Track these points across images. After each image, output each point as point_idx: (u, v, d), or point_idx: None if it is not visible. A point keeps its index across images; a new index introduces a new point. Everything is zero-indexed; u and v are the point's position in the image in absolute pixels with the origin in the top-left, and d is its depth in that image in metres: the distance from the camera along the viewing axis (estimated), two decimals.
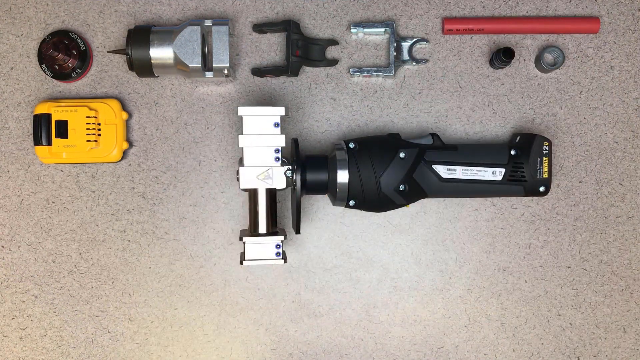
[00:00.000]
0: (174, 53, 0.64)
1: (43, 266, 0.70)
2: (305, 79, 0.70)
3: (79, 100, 0.68)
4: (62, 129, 0.66)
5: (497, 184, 0.63)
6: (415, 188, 0.62)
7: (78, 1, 0.70)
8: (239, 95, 0.70)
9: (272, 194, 0.63)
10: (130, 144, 0.69)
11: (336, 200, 0.62)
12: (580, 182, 0.71)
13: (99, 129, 0.67)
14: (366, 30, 0.69)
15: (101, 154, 0.68)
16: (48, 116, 0.66)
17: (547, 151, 0.65)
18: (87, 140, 0.66)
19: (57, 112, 0.66)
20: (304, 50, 0.69)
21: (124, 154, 0.69)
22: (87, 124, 0.66)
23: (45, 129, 0.66)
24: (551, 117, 0.71)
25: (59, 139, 0.66)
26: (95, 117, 0.67)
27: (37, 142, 0.67)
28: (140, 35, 0.65)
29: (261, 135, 0.61)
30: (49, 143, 0.66)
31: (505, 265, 0.71)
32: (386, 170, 0.60)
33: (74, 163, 0.69)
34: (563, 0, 0.71)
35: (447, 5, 0.71)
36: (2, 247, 0.70)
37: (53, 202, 0.69)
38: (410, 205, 0.65)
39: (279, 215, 0.70)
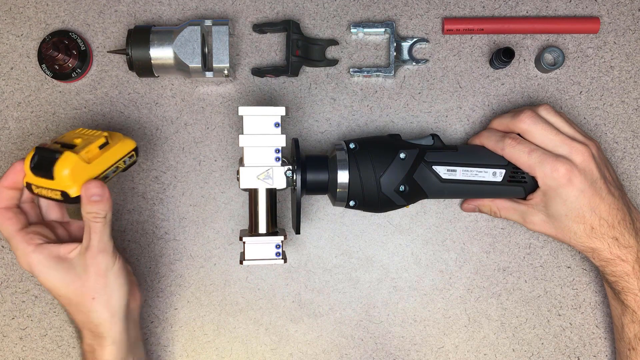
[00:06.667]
0: (174, 53, 0.64)
1: None
2: (305, 79, 0.70)
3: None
4: (67, 145, 0.57)
5: (497, 185, 0.63)
6: (416, 189, 0.62)
7: (78, 1, 0.70)
8: (239, 95, 0.70)
9: (272, 194, 0.63)
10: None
11: (336, 200, 0.62)
12: None
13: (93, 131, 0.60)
14: (366, 30, 0.69)
15: (118, 140, 0.60)
16: (37, 148, 0.56)
17: None
18: (96, 136, 0.58)
19: (50, 144, 0.57)
20: (304, 50, 0.69)
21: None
22: (83, 133, 0.59)
23: (50, 150, 0.56)
24: None
25: (74, 149, 0.56)
26: (83, 129, 0.60)
27: (50, 168, 0.54)
28: (140, 35, 0.65)
29: (261, 135, 0.61)
30: (62, 152, 0.55)
31: (505, 265, 0.71)
32: (386, 170, 0.60)
33: (113, 164, 0.59)
34: (563, 0, 0.71)
35: (447, 5, 0.71)
36: (2, 247, 0.70)
37: None
38: (410, 205, 0.65)
39: (279, 215, 0.70)
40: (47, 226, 0.60)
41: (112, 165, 0.59)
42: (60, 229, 0.61)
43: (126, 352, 0.59)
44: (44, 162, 0.55)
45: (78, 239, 0.59)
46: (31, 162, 0.56)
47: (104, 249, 0.56)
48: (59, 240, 0.60)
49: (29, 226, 0.58)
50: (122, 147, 0.60)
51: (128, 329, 0.60)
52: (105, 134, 0.59)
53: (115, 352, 0.58)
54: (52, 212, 0.62)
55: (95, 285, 0.57)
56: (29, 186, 0.57)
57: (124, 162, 0.61)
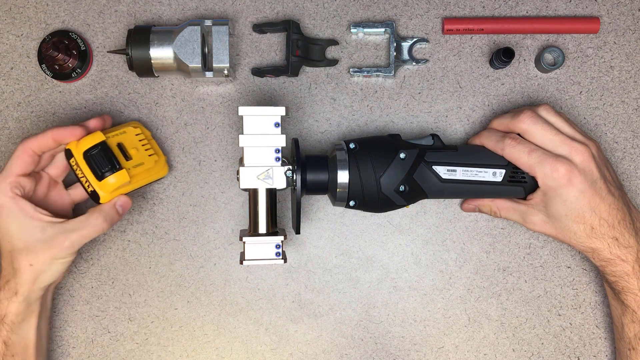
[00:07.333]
0: (174, 53, 0.64)
1: None
2: (305, 79, 0.71)
3: (112, 129, 0.64)
4: (125, 152, 0.62)
5: (497, 185, 0.63)
6: (416, 189, 0.62)
7: (78, 1, 0.70)
8: (239, 95, 0.70)
9: (272, 194, 0.63)
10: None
11: (336, 200, 0.62)
12: None
13: (149, 144, 0.65)
14: (366, 30, 0.69)
15: (160, 167, 0.65)
16: (103, 143, 0.59)
17: None
18: (150, 155, 0.64)
19: (109, 139, 0.61)
20: (304, 50, 0.69)
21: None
22: (139, 140, 0.64)
23: (111, 155, 0.59)
24: None
25: (129, 162, 0.61)
26: (142, 134, 0.65)
27: (103, 173, 0.58)
28: (140, 35, 0.65)
29: (261, 135, 0.61)
30: (120, 167, 0.59)
31: (505, 265, 0.71)
32: (386, 170, 0.60)
33: (141, 186, 0.64)
34: (563, 0, 0.71)
35: (447, 5, 0.71)
36: None
37: None
38: (410, 205, 0.65)
39: (279, 215, 0.70)
40: (36, 178, 0.62)
41: (142, 187, 0.64)
42: (44, 186, 0.63)
43: (30, 313, 0.61)
44: (101, 161, 0.59)
45: (54, 204, 0.63)
46: (90, 149, 0.58)
47: (76, 245, 0.59)
48: (35, 194, 0.62)
49: (21, 176, 0.60)
50: (158, 173, 0.65)
51: (42, 296, 0.62)
52: (156, 158, 0.64)
53: (21, 309, 0.60)
54: (56, 170, 0.64)
55: (40, 258, 0.59)
56: (68, 154, 0.60)
57: (150, 185, 0.65)
